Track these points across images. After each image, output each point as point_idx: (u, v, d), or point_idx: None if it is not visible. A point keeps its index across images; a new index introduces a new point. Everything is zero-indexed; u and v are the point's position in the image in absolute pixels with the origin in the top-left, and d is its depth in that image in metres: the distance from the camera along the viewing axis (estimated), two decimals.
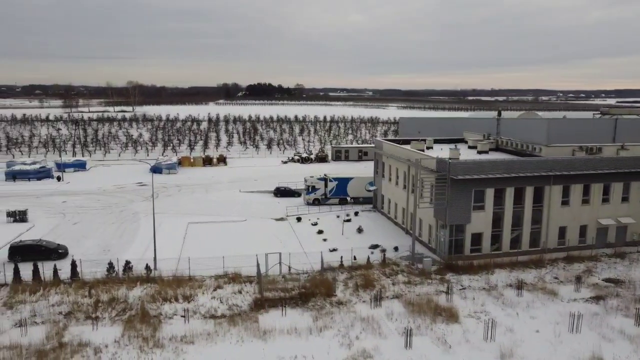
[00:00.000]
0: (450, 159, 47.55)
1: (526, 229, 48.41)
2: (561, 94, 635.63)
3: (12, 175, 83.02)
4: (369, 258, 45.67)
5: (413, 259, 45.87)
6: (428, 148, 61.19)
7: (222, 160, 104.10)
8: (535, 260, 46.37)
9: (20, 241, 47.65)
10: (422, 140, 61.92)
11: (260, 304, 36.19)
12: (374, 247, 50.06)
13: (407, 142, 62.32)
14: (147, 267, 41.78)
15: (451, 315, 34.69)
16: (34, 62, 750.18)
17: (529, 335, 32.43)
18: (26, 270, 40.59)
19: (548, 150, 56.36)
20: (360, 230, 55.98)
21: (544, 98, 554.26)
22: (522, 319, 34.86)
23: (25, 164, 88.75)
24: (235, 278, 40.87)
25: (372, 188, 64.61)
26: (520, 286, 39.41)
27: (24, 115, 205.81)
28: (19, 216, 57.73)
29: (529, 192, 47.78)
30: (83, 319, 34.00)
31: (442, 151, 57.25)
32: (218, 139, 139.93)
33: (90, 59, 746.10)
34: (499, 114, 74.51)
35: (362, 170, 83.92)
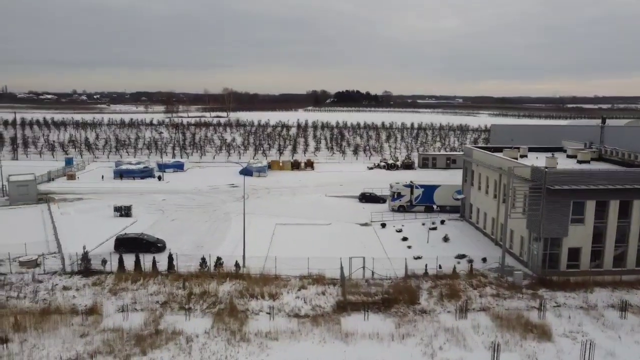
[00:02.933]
0: (546, 167, 45.01)
1: (632, 245, 44.48)
2: None
3: (120, 174, 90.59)
4: (455, 268, 44.33)
5: (502, 272, 43.86)
6: (522, 156, 58.29)
7: (309, 164, 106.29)
8: None
9: (125, 234, 51.80)
10: (515, 148, 59.09)
11: (343, 307, 36.44)
12: (461, 257, 48.53)
13: (499, 149, 59.79)
14: (237, 264, 43.67)
15: (543, 333, 32.74)
16: (141, 70, 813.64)
17: None
18: (129, 260, 44.06)
19: None
20: (446, 239, 54.53)
21: None
22: (626, 343, 32.06)
23: (130, 164, 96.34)
24: (319, 279, 41.52)
25: (459, 196, 62.70)
26: (624, 307, 36.25)
27: (131, 119, 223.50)
28: (124, 211, 62.82)
29: (637, 206, 43.89)
30: (177, 309, 36.20)
31: (537, 160, 54.28)
32: (306, 144, 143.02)
33: (190, 67, 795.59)
34: (603, 122, 69.19)
35: (450, 178, 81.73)
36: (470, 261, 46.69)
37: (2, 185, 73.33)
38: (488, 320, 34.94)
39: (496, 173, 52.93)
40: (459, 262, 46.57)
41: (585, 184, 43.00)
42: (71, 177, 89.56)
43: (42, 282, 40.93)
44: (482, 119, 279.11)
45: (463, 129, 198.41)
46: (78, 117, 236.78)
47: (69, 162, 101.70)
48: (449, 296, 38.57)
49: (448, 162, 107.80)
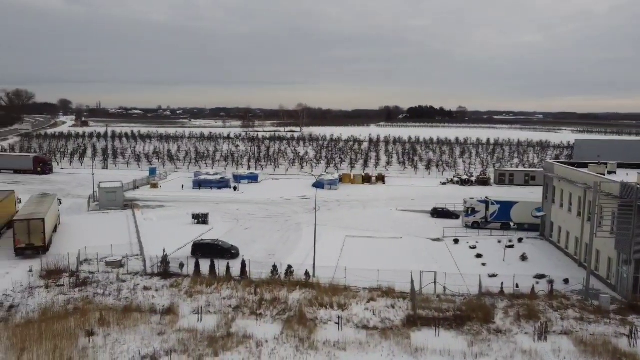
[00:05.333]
0: (638, 183, 41.81)
1: None
2: None
3: (198, 184, 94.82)
4: (533, 287, 42.01)
5: (587, 294, 40.99)
6: (610, 172, 54.60)
7: (380, 178, 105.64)
8: None
9: (202, 240, 53.98)
10: (602, 163, 55.48)
11: (413, 321, 35.60)
12: (540, 277, 45.98)
13: (583, 165, 56.46)
14: (307, 273, 44.08)
15: None
16: (220, 87, 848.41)
17: None
18: (205, 265, 45.74)
19: None
20: (524, 257, 51.94)
21: None
22: None
23: (209, 174, 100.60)
24: (389, 292, 40.90)
25: (539, 214, 59.67)
26: None
27: (210, 133, 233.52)
28: (201, 219, 65.56)
29: None
30: (248, 314, 36.99)
31: (627, 176, 50.60)
32: (378, 159, 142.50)
33: (266, 84, 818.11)
34: None
35: (528, 195, 78.01)
36: (551, 282, 44.14)
37: (94, 191, 79.07)
38: (570, 344, 32.71)
39: (581, 190, 49.90)
40: (537, 282, 44.16)
41: None
42: (154, 185, 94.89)
43: (125, 282, 43.47)
44: (565, 136, 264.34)
45: (543, 145, 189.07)
46: (162, 130, 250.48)
47: (152, 172, 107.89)
48: (526, 317, 36.57)
49: (527, 178, 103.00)
